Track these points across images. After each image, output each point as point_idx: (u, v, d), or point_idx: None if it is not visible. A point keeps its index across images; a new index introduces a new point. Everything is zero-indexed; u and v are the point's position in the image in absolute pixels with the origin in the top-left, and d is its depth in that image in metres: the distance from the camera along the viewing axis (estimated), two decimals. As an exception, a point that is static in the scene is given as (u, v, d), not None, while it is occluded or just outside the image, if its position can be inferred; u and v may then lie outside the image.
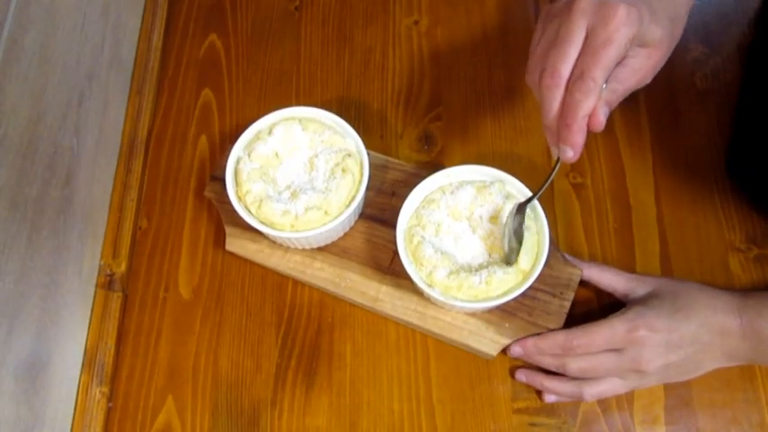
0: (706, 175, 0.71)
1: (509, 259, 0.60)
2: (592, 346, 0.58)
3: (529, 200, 0.60)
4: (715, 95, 0.74)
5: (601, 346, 0.58)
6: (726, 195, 0.70)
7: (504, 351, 0.64)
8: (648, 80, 0.53)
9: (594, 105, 0.48)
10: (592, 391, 0.60)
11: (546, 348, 0.61)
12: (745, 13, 0.78)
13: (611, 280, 0.63)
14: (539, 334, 0.62)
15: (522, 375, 0.64)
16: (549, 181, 0.56)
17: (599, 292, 0.66)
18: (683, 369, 0.59)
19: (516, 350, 0.63)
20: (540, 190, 0.59)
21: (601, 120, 0.49)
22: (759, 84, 0.70)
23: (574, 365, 0.59)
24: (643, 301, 0.60)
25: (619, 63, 0.49)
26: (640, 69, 0.52)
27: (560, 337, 0.60)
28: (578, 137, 0.49)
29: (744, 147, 0.69)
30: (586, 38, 0.48)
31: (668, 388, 0.63)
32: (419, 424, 0.64)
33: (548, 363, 0.62)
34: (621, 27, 0.47)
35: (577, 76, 0.48)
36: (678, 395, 0.63)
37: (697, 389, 0.63)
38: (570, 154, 0.50)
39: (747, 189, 0.69)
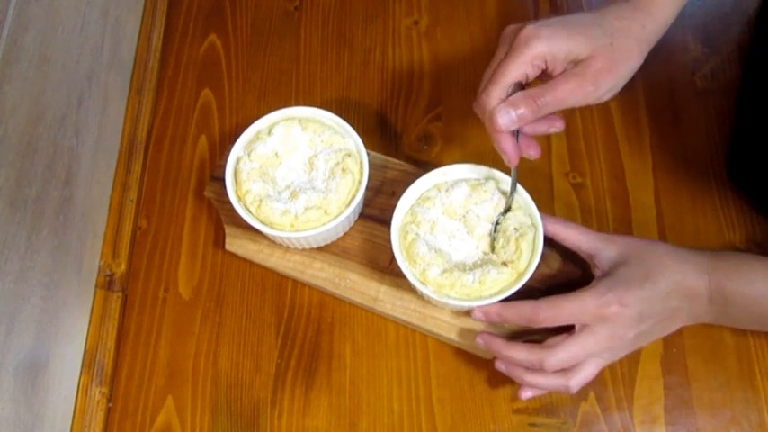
0: (706, 175, 0.71)
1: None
2: (558, 318, 0.56)
3: (505, 211, 0.62)
4: (715, 95, 0.74)
5: (568, 320, 0.56)
6: (726, 195, 0.70)
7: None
8: (593, 87, 0.55)
9: (491, 112, 0.55)
10: (577, 381, 0.57)
11: (510, 317, 0.58)
12: (745, 12, 0.78)
13: (576, 238, 0.61)
14: (502, 302, 0.59)
15: (480, 340, 0.61)
16: (514, 188, 0.61)
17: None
18: (651, 335, 0.59)
19: (477, 315, 0.60)
20: (510, 197, 0.62)
21: (496, 122, 0.54)
22: (759, 83, 0.71)
23: (553, 360, 0.56)
24: (611, 272, 0.58)
25: (556, 76, 0.55)
26: (576, 77, 0.54)
27: (526, 308, 0.57)
28: (499, 142, 0.56)
29: (744, 146, 0.69)
30: None
31: (668, 388, 0.63)
32: (419, 424, 0.64)
33: (522, 358, 0.58)
34: (520, 45, 0.54)
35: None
36: (678, 395, 0.63)
37: (697, 389, 0.63)
38: (504, 159, 0.57)
39: (747, 189, 0.69)
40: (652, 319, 0.57)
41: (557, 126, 0.59)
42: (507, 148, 0.56)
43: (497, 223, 0.62)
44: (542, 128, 0.59)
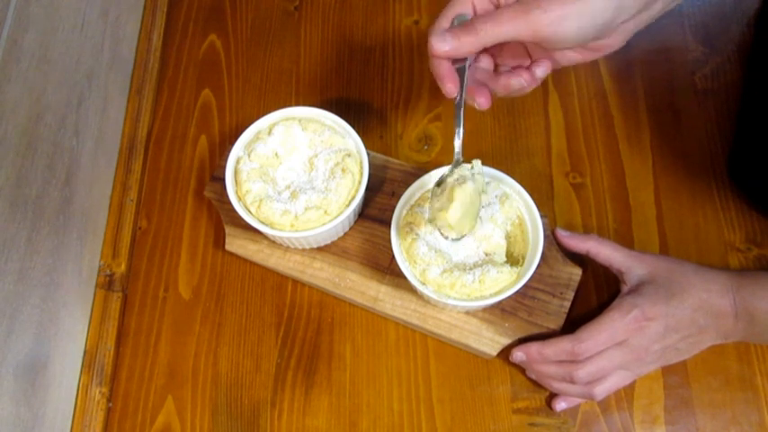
0: (706, 175, 0.71)
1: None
2: (598, 346, 0.58)
3: (455, 165, 0.57)
4: (715, 95, 0.74)
5: (605, 344, 0.58)
6: (726, 195, 0.70)
7: (504, 352, 0.63)
8: (540, 9, 0.48)
9: (429, 37, 0.51)
10: (601, 389, 0.59)
11: (551, 355, 0.60)
12: (745, 12, 0.77)
13: (608, 254, 0.62)
14: (542, 340, 0.60)
15: (520, 353, 0.61)
16: (458, 126, 0.56)
17: (599, 292, 0.66)
18: (681, 351, 0.60)
19: (519, 356, 0.62)
20: (458, 139, 0.56)
21: (431, 44, 0.51)
22: (759, 84, 0.70)
23: (582, 372, 0.58)
24: (637, 289, 0.59)
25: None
26: (522, 2, 0.49)
27: (566, 344, 0.58)
28: (434, 66, 0.53)
29: (744, 147, 0.69)
30: None
31: (668, 388, 0.63)
32: (419, 424, 0.64)
33: (553, 372, 0.60)
34: None
35: None
36: (678, 395, 0.63)
37: (697, 389, 0.63)
38: (441, 88, 0.54)
39: (747, 189, 0.69)
40: (678, 333, 0.58)
41: (524, 79, 0.54)
42: (441, 71, 0.53)
43: (442, 181, 0.58)
44: (504, 80, 0.55)
